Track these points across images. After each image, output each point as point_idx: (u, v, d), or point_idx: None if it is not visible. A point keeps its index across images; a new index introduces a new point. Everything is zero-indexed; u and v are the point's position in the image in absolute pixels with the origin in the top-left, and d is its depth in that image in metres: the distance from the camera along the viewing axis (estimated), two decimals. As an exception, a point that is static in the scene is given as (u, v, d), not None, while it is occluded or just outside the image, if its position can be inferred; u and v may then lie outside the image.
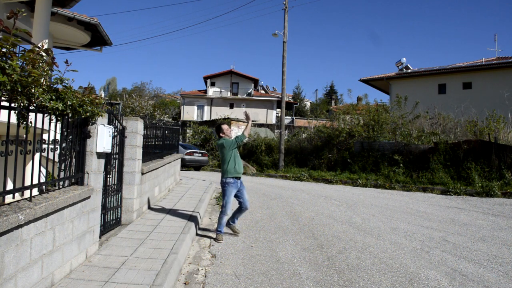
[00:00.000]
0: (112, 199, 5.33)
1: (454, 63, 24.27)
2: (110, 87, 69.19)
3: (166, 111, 38.28)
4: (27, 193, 2.88)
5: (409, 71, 25.14)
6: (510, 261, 4.69)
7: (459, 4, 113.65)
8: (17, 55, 2.47)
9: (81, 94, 3.38)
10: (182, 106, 40.44)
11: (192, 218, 6.23)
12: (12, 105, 2.53)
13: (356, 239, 5.64)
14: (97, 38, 9.95)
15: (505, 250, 5.17)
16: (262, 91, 44.31)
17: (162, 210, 6.95)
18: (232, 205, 5.64)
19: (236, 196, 5.51)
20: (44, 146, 3.09)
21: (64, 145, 3.41)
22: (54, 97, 2.95)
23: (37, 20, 6.12)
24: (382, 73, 26.39)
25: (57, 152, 3.31)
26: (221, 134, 5.67)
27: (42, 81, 2.67)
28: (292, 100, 44.13)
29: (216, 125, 5.70)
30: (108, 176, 5.07)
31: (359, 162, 15.30)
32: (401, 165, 13.76)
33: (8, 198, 2.70)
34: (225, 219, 5.46)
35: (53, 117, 3.15)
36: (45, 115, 3.02)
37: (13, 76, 2.30)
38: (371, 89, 72.62)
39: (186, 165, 18.87)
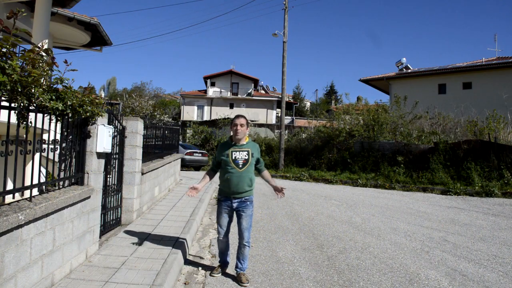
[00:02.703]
0: (112, 199, 5.33)
1: (454, 63, 24.28)
2: (110, 87, 69.21)
3: (166, 111, 38.27)
4: (27, 193, 2.88)
5: (409, 71, 25.13)
6: (510, 261, 4.69)
7: (459, 4, 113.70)
8: (17, 55, 2.47)
9: (81, 94, 3.38)
10: (182, 106, 40.43)
11: (192, 217, 6.23)
12: (12, 105, 2.53)
13: (356, 239, 5.64)
14: (97, 38, 9.95)
15: (505, 250, 5.17)
16: (262, 91, 44.30)
17: (162, 210, 6.95)
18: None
19: (237, 220, 3.90)
20: (44, 146, 3.09)
21: (64, 145, 3.41)
22: (54, 97, 2.95)
23: (37, 20, 6.12)
24: (382, 73, 26.41)
25: (57, 152, 3.30)
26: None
27: (42, 81, 2.67)
28: (292, 100, 44.12)
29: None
30: (108, 176, 5.07)
31: (359, 162, 15.30)
32: (401, 165, 13.76)
33: (8, 198, 2.70)
34: (222, 245, 3.98)
35: (53, 117, 3.14)
36: (45, 115, 3.02)
37: (13, 76, 2.30)
38: (371, 89, 72.56)
39: (186, 165, 18.86)
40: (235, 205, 3.80)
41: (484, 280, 3.98)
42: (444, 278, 4.00)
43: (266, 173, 4.07)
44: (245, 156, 3.78)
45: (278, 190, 3.92)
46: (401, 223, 6.88)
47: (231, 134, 3.92)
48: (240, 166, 3.75)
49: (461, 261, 4.65)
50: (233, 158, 3.75)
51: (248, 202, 3.83)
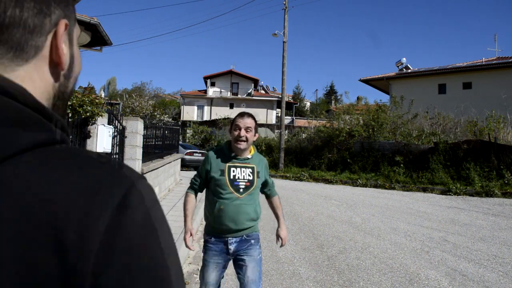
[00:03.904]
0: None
1: (454, 63, 24.28)
2: (110, 87, 69.21)
3: (166, 111, 38.25)
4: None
5: (409, 71, 25.13)
6: (510, 261, 4.69)
7: (459, 4, 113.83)
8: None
9: (81, 94, 3.39)
10: (182, 106, 40.43)
11: (193, 217, 6.23)
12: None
13: (356, 239, 5.64)
14: (97, 38, 9.95)
15: (505, 250, 5.17)
16: (262, 91, 44.31)
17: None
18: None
19: (236, 270, 2.47)
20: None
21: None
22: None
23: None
24: (382, 73, 26.40)
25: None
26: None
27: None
28: (292, 100, 44.13)
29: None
30: (108, 176, 5.06)
31: (359, 162, 15.31)
32: (401, 165, 13.76)
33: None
34: None
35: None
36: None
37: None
38: (371, 89, 72.59)
39: (186, 165, 18.88)
40: (232, 247, 2.40)
41: (484, 280, 3.98)
42: (444, 278, 4.00)
43: (276, 199, 2.73)
44: (249, 175, 2.44)
45: (280, 236, 2.64)
46: (401, 223, 6.88)
47: (230, 139, 2.50)
48: (241, 190, 2.39)
49: (461, 261, 4.65)
50: (232, 177, 2.40)
51: (252, 241, 2.44)
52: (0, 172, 0.37)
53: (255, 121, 2.50)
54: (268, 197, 2.75)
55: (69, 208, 0.37)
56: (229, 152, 2.48)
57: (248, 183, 2.43)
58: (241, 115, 2.47)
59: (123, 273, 0.37)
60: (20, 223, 0.35)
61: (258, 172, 2.51)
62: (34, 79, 0.47)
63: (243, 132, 2.38)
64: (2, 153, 0.38)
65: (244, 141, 2.38)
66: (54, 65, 0.49)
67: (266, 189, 2.70)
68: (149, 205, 0.42)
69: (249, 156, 2.49)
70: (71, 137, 3.59)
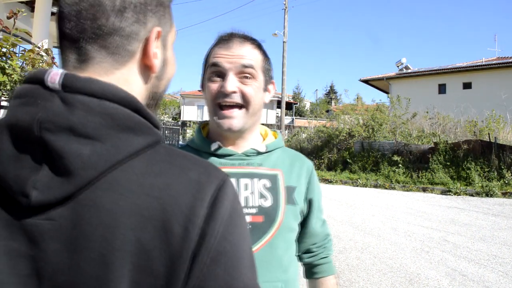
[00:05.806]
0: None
1: (454, 63, 24.29)
2: (110, 87, 69.12)
3: (166, 111, 38.27)
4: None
5: (409, 71, 25.13)
6: (510, 261, 4.69)
7: (459, 4, 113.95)
8: (17, 55, 2.47)
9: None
10: (182, 106, 40.44)
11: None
12: (12, 105, 2.53)
13: (356, 239, 5.64)
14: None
15: (505, 250, 5.17)
16: (262, 91, 44.27)
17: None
18: None
19: None
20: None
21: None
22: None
23: (37, 20, 6.12)
24: (382, 73, 26.41)
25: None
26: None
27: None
28: (292, 100, 44.15)
29: None
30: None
31: (359, 162, 15.32)
32: (401, 165, 13.77)
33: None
34: None
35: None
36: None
37: (13, 76, 2.30)
38: (371, 89, 72.61)
39: (186, 165, 18.90)
40: None
41: (484, 280, 3.98)
42: (444, 278, 4.00)
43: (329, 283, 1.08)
44: (262, 196, 0.95)
45: None
46: (401, 223, 6.89)
47: (210, 118, 0.98)
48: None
49: (461, 261, 4.65)
50: None
51: None
52: (118, 173, 0.45)
53: (264, 52, 1.01)
54: (311, 275, 1.12)
55: (175, 205, 0.46)
56: (205, 145, 1.00)
57: (259, 218, 0.94)
58: (225, 39, 0.98)
59: (211, 253, 0.46)
60: (136, 216, 0.44)
61: (289, 190, 1.00)
62: (130, 82, 0.53)
63: (231, 84, 0.92)
64: (119, 156, 0.45)
65: (238, 105, 0.94)
66: (146, 69, 0.55)
67: (307, 247, 1.10)
68: (232, 200, 0.50)
69: (258, 148, 1.01)
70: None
